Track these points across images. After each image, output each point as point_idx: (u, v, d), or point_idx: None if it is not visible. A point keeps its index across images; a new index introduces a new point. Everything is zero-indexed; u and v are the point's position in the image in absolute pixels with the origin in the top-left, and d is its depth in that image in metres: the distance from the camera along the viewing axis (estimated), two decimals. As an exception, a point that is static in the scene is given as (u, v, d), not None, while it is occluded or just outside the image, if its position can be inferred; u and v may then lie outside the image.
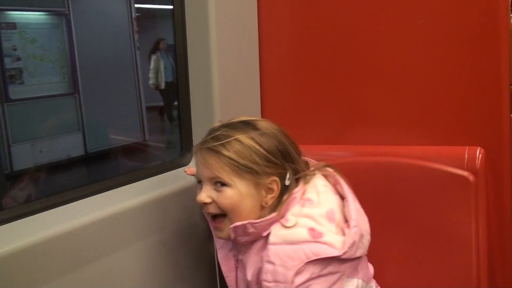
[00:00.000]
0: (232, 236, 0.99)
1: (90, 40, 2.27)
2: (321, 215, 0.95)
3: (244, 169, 0.95)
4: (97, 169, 2.19)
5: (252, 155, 0.95)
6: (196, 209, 1.26)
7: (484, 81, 1.19)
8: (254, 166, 0.95)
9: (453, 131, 1.24)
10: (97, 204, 1.08)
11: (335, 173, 1.05)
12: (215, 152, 0.96)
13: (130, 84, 2.19)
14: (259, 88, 1.49)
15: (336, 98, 1.39)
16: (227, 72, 1.34)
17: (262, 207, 0.99)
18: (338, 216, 0.97)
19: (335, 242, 0.91)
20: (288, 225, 0.93)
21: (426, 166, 1.20)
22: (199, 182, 1.03)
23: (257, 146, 0.96)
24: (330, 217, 0.96)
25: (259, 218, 0.97)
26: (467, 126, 1.22)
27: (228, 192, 0.97)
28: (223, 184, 0.97)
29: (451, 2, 1.20)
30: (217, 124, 1.06)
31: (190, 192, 1.24)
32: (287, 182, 0.98)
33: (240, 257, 1.06)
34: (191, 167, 1.28)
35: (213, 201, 0.99)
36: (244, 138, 0.96)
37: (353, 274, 0.96)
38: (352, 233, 0.92)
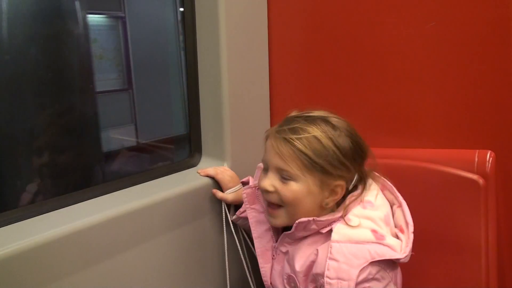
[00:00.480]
0: (293, 230, 1.00)
1: (142, 40, 2.43)
2: (380, 218, 0.97)
3: (316, 168, 0.94)
4: (148, 158, 2.32)
5: (328, 156, 0.94)
6: (208, 208, 1.28)
7: (495, 84, 1.18)
8: (328, 167, 0.94)
9: (463, 134, 1.23)
10: (108, 204, 1.10)
11: (384, 179, 1.07)
12: (291, 144, 0.95)
13: (175, 82, 2.28)
14: (268, 90, 1.50)
15: (347, 102, 1.39)
16: (236, 73, 1.35)
17: (322, 207, 0.99)
18: (391, 220, 0.99)
19: (395, 245, 0.93)
20: (352, 224, 0.94)
21: (436, 169, 1.19)
22: (265, 168, 1.02)
23: (334, 148, 0.94)
24: (386, 221, 0.98)
25: (317, 216, 0.98)
26: (477, 129, 1.21)
27: (293, 186, 0.96)
28: (290, 177, 0.96)
29: (461, 5, 1.20)
30: (293, 113, 1.04)
31: (201, 192, 1.26)
32: (351, 187, 0.99)
33: (284, 249, 1.06)
34: (205, 169, 1.29)
35: (276, 191, 0.98)
36: (323, 137, 0.94)
37: (394, 282, 0.97)
38: (411, 239, 0.95)
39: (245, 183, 1.30)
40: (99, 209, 1.06)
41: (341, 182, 0.97)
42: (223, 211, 1.27)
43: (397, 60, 1.30)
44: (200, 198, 1.26)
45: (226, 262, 1.23)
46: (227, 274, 1.24)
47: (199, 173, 1.29)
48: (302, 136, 0.94)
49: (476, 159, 1.16)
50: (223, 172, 1.29)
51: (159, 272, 1.17)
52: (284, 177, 0.97)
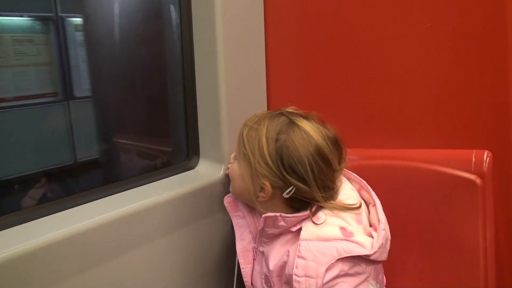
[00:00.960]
0: (261, 224, 1.02)
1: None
2: (351, 217, 0.98)
3: (246, 156, 1.02)
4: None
5: (255, 149, 1.00)
6: (207, 210, 1.29)
7: (492, 84, 1.19)
8: (252, 159, 1.00)
9: (460, 134, 1.23)
10: (107, 206, 1.10)
11: (360, 179, 1.08)
12: (242, 130, 1.06)
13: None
14: (265, 92, 1.50)
15: (343, 102, 1.39)
16: (233, 75, 1.35)
17: (256, 199, 1.04)
18: (365, 220, 0.99)
19: (365, 242, 0.93)
20: (319, 222, 0.96)
21: (433, 170, 1.19)
22: None
23: (264, 145, 0.98)
24: (358, 220, 0.98)
25: (255, 205, 1.05)
26: (475, 129, 1.22)
27: (235, 165, 1.10)
28: (235, 158, 1.10)
29: (457, 6, 1.20)
30: (290, 107, 1.09)
31: (200, 194, 1.26)
32: (285, 196, 0.98)
33: (262, 249, 1.09)
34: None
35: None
36: (263, 133, 1.00)
37: (375, 278, 0.97)
38: (381, 235, 0.95)
39: None
40: (99, 211, 1.06)
41: (266, 182, 0.99)
42: None
43: (393, 60, 1.30)
44: (199, 200, 1.26)
45: (237, 259, 1.23)
46: (235, 273, 1.24)
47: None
48: (252, 125, 1.03)
49: (474, 159, 1.17)
50: None
51: (159, 274, 1.17)
52: (235, 156, 1.10)
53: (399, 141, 1.31)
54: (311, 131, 0.99)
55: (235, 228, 1.18)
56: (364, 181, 1.08)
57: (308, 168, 0.95)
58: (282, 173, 0.97)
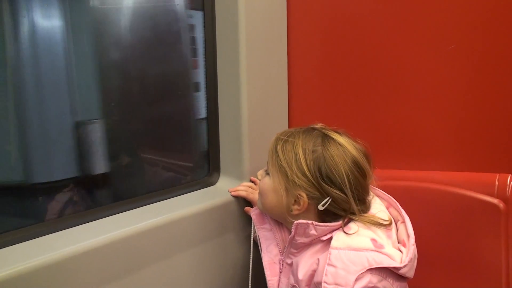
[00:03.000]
0: (292, 232, 1.03)
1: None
2: (382, 231, 0.98)
3: (281, 169, 1.02)
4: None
5: (292, 161, 1.00)
6: (229, 225, 1.30)
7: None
8: (288, 170, 1.01)
9: (484, 157, 1.23)
10: (129, 220, 1.11)
11: (389, 196, 1.09)
12: (275, 144, 1.07)
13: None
14: (286, 108, 1.51)
15: (364, 122, 1.39)
16: (255, 93, 1.36)
17: (289, 212, 1.04)
18: (394, 236, 1.00)
19: (395, 255, 0.93)
20: (350, 232, 0.96)
21: (455, 193, 1.18)
22: None
23: (301, 157, 1.00)
24: (388, 235, 0.99)
25: (285, 220, 1.06)
26: (498, 152, 1.21)
27: (266, 179, 1.09)
28: (268, 172, 1.09)
29: (480, 28, 1.21)
30: (319, 124, 1.10)
31: (222, 209, 1.28)
32: (320, 208, 0.99)
33: (289, 260, 1.09)
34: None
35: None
36: (299, 145, 1.02)
37: None
38: (411, 250, 0.95)
39: None
40: (119, 226, 1.07)
41: (302, 194, 0.99)
42: (252, 227, 1.26)
43: (416, 81, 1.31)
44: (221, 215, 1.26)
45: (250, 277, 1.23)
46: (249, 280, 1.24)
47: (230, 192, 1.31)
48: (287, 139, 1.04)
49: (497, 183, 1.16)
50: (254, 191, 1.32)
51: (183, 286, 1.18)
52: (266, 170, 1.10)
53: (420, 162, 1.30)
54: (345, 143, 1.01)
55: (262, 240, 1.19)
56: (393, 198, 1.08)
57: (346, 178, 0.97)
58: (320, 183, 0.98)
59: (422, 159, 1.31)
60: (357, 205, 0.99)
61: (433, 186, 1.22)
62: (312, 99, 1.49)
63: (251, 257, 1.24)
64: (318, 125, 1.08)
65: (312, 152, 1.00)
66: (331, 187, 0.98)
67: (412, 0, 1.29)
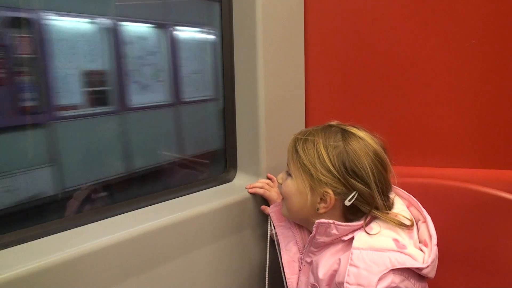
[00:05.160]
0: (313, 232, 1.03)
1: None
2: (403, 231, 0.98)
3: (305, 169, 1.01)
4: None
5: (314, 158, 1.00)
6: (246, 222, 1.30)
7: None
8: (311, 169, 1.00)
9: (504, 154, 1.21)
10: (146, 216, 1.12)
11: (409, 195, 1.08)
12: (295, 144, 1.06)
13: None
14: (303, 106, 1.50)
15: (383, 118, 1.38)
16: (272, 90, 1.36)
17: (315, 211, 1.02)
18: (416, 236, 0.99)
19: (417, 256, 0.93)
20: (372, 232, 0.96)
21: (475, 190, 1.17)
22: None
23: (324, 154, 0.99)
24: (410, 235, 0.98)
25: (309, 222, 1.04)
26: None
27: (289, 181, 1.07)
28: (290, 173, 1.07)
29: (501, 22, 1.19)
30: (335, 121, 1.09)
31: (239, 206, 1.28)
32: (347, 203, 0.98)
33: (309, 259, 1.08)
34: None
35: (282, 184, 1.10)
36: (320, 143, 1.01)
37: None
38: (434, 250, 0.95)
39: None
40: (137, 222, 1.08)
41: (328, 190, 0.99)
42: (269, 225, 1.27)
43: (437, 78, 1.29)
44: (238, 212, 1.27)
45: (266, 275, 1.23)
46: (266, 277, 1.24)
47: (247, 188, 1.31)
48: (306, 138, 1.03)
49: (518, 181, 1.14)
50: (270, 189, 1.32)
51: (198, 285, 1.18)
52: (288, 172, 1.08)
53: (440, 159, 1.29)
54: (365, 137, 1.01)
55: (280, 238, 1.18)
56: (414, 198, 1.07)
57: (369, 170, 0.97)
58: (345, 178, 0.98)
59: (441, 156, 1.29)
60: (381, 199, 0.98)
61: (453, 184, 1.20)
62: (329, 96, 1.48)
63: (267, 256, 1.24)
64: (335, 122, 1.08)
65: (334, 147, 0.99)
66: (356, 180, 0.97)
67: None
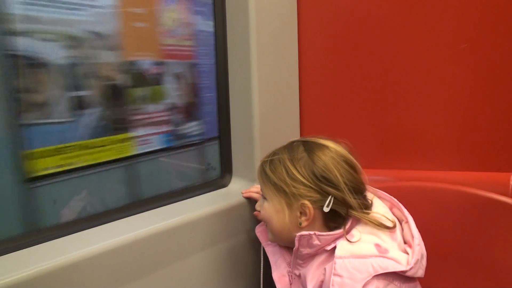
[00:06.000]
0: (296, 244, 1.02)
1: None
2: (385, 234, 0.98)
3: (279, 188, 1.02)
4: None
5: (283, 174, 1.01)
6: (240, 228, 1.30)
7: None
8: (283, 186, 1.01)
9: (497, 157, 1.22)
10: (142, 222, 1.12)
11: (391, 197, 1.08)
12: (263, 167, 1.07)
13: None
14: (298, 112, 1.51)
15: (376, 122, 1.39)
16: (267, 95, 1.37)
17: (298, 226, 1.02)
18: (399, 237, 0.99)
19: (400, 258, 0.93)
20: (353, 240, 0.96)
21: (469, 192, 1.18)
22: None
23: (291, 168, 1.00)
24: (393, 237, 0.98)
25: (293, 241, 1.02)
26: (511, 152, 1.20)
27: (265, 205, 1.07)
28: (265, 197, 1.07)
29: (493, 26, 1.20)
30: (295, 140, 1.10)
31: (234, 211, 1.28)
32: (326, 209, 0.98)
33: (297, 271, 1.08)
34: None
35: (261, 210, 1.09)
36: (284, 157, 1.02)
37: None
38: (416, 251, 0.94)
39: None
40: (133, 228, 1.07)
41: (305, 201, 0.99)
42: None
43: (429, 82, 1.30)
44: (233, 217, 1.27)
45: (261, 279, 1.23)
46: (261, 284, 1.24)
47: (242, 193, 1.31)
48: (271, 159, 1.05)
49: (511, 183, 1.15)
50: None
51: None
52: (263, 196, 1.08)
53: (434, 163, 1.30)
54: (327, 143, 1.03)
55: (269, 255, 1.18)
56: (395, 199, 1.08)
57: (336, 172, 0.98)
58: (317, 184, 0.98)
59: (435, 159, 1.30)
60: (355, 198, 0.98)
61: (447, 186, 1.21)
62: (323, 100, 1.49)
63: (261, 263, 1.24)
64: (296, 139, 1.10)
65: (300, 159, 1.00)
66: (328, 185, 0.98)
67: (420, 4, 1.29)
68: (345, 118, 1.46)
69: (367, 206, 1.02)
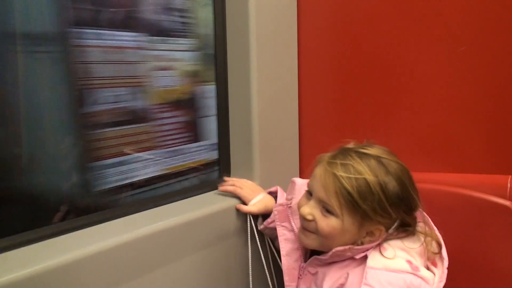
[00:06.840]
0: (327, 257, 0.99)
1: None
2: (415, 250, 0.97)
3: (358, 210, 0.92)
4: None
5: (374, 202, 0.91)
6: (237, 227, 1.29)
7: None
8: (370, 212, 0.92)
9: (495, 159, 1.21)
10: (137, 223, 1.11)
11: (420, 210, 1.04)
12: (339, 182, 0.92)
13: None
14: (297, 113, 1.51)
15: (375, 124, 1.39)
16: (266, 97, 1.37)
17: (356, 243, 0.97)
18: (425, 253, 0.99)
19: (429, 278, 0.93)
20: (387, 256, 0.94)
21: (467, 195, 1.18)
22: (309, 192, 1.01)
23: (382, 195, 0.91)
24: (420, 253, 0.98)
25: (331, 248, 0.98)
26: (510, 154, 1.20)
27: (332, 221, 0.95)
28: (331, 212, 0.95)
29: (493, 29, 1.20)
30: (350, 144, 1.02)
31: (229, 212, 1.28)
32: (391, 231, 0.96)
33: (313, 270, 1.06)
34: (225, 184, 1.33)
35: (314, 221, 0.97)
36: (372, 181, 0.91)
37: None
38: (444, 274, 0.96)
39: (272, 193, 1.29)
40: (127, 229, 1.07)
41: (381, 227, 0.95)
42: (248, 224, 1.27)
43: (428, 84, 1.30)
44: (229, 219, 1.27)
45: (250, 278, 1.22)
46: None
47: (218, 187, 1.32)
48: (351, 176, 0.92)
49: (509, 185, 1.15)
50: (243, 186, 1.30)
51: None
52: (326, 209, 0.95)
53: (432, 164, 1.29)
54: (392, 158, 0.98)
55: (281, 240, 1.14)
56: (424, 213, 1.05)
57: (415, 196, 0.97)
58: (397, 211, 0.95)
59: (433, 161, 1.30)
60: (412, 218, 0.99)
61: (445, 188, 1.21)
62: (322, 101, 1.49)
63: (249, 255, 1.24)
64: (350, 145, 1.02)
65: (387, 183, 0.92)
66: (405, 211, 0.95)
67: (420, 6, 1.29)
68: (344, 119, 1.46)
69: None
